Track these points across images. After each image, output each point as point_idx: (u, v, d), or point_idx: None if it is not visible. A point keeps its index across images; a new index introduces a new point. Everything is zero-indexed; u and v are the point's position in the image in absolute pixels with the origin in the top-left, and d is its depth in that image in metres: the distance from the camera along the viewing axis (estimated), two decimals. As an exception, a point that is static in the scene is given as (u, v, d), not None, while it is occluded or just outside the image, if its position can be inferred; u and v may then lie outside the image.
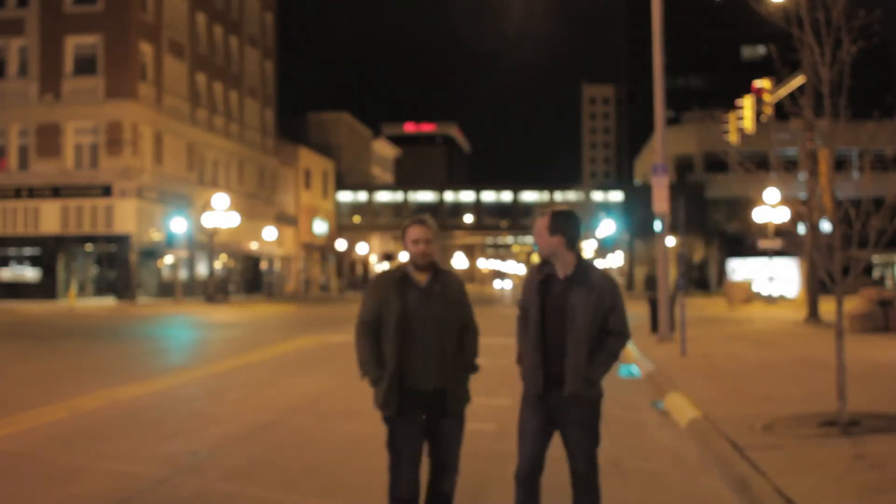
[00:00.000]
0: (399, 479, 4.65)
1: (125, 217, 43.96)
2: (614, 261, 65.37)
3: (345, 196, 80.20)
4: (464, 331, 4.74)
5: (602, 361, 4.56)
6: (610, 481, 6.57)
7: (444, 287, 4.65)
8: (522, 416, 4.67)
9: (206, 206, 47.07)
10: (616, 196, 72.97)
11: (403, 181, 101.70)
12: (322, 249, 73.87)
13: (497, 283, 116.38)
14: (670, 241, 20.94)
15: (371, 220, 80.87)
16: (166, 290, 46.86)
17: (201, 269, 50.99)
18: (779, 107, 21.25)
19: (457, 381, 4.62)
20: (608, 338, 4.58)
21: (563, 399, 4.52)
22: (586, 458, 4.60)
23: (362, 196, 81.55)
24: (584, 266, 4.59)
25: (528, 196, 78.56)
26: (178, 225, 44.53)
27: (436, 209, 79.16)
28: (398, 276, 4.67)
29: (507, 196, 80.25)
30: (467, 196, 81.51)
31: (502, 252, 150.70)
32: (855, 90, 8.27)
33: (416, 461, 4.64)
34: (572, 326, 4.46)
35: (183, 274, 48.85)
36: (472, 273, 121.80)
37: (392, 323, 4.58)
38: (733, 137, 23.00)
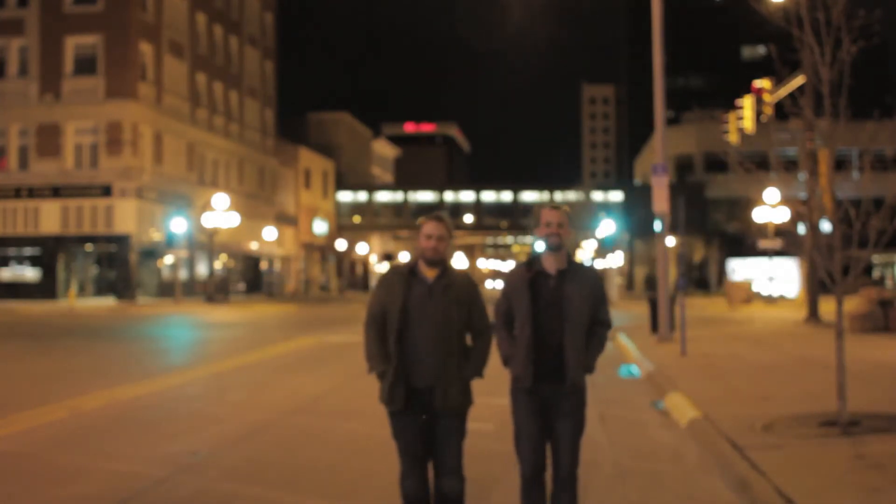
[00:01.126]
0: (403, 476, 4.73)
1: (125, 217, 43.97)
2: (614, 261, 65.54)
3: (345, 196, 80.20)
4: (475, 335, 4.79)
5: (597, 350, 4.81)
6: (610, 481, 6.58)
7: (451, 285, 4.69)
8: (518, 419, 4.74)
9: (206, 206, 47.08)
10: (616, 196, 72.97)
11: (403, 181, 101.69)
12: (322, 249, 73.88)
13: (489, 283, 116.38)
14: (670, 241, 20.94)
15: (371, 220, 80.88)
16: (166, 290, 46.87)
17: (201, 269, 51.02)
18: (779, 107, 21.24)
19: (450, 380, 4.61)
20: (599, 327, 4.82)
21: (561, 390, 4.65)
22: (574, 448, 4.70)
23: (362, 196, 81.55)
24: (574, 261, 4.80)
25: (528, 196, 78.53)
26: (178, 225, 44.54)
27: (436, 209, 79.15)
28: (407, 270, 4.74)
29: (507, 196, 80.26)
30: (467, 196, 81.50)
31: (502, 252, 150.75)
32: (855, 90, 8.27)
33: (420, 459, 4.69)
34: (570, 317, 4.64)
35: (183, 274, 48.87)
36: (471, 273, 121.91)
37: (394, 316, 4.64)
38: (733, 137, 23.00)
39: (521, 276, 4.75)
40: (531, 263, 4.78)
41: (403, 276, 4.71)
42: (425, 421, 4.66)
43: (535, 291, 4.67)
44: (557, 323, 4.64)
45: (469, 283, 4.79)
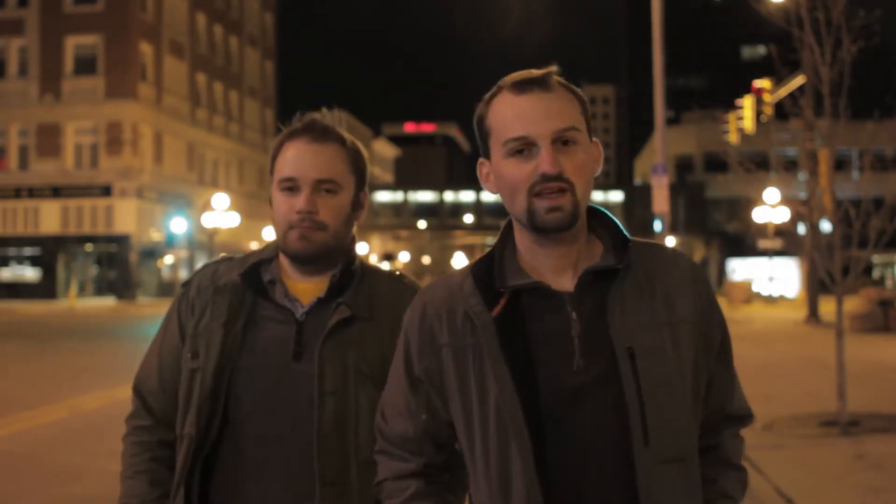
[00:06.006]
0: None
1: (125, 217, 43.99)
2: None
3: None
4: None
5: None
6: (610, 481, 6.56)
7: (356, 320, 1.85)
8: None
9: (206, 206, 47.08)
10: (616, 196, 73.02)
11: (403, 181, 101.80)
12: (322, 249, 73.90)
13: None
14: (670, 241, 20.95)
15: (371, 220, 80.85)
16: (166, 289, 46.89)
17: (201, 269, 51.04)
18: (779, 107, 21.25)
19: None
20: (727, 433, 1.70)
21: None
22: None
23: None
24: (630, 238, 1.64)
25: (528, 196, 78.46)
26: (178, 225, 44.54)
27: (436, 209, 79.31)
28: (240, 280, 1.96)
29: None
30: (467, 196, 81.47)
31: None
32: (855, 90, 8.27)
33: None
34: (651, 421, 1.42)
35: (183, 274, 48.88)
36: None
37: (197, 396, 1.87)
38: (733, 137, 23.02)
39: (457, 314, 1.50)
40: (485, 270, 1.55)
41: (230, 293, 1.93)
42: None
43: (518, 358, 1.42)
44: (615, 444, 1.41)
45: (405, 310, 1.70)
